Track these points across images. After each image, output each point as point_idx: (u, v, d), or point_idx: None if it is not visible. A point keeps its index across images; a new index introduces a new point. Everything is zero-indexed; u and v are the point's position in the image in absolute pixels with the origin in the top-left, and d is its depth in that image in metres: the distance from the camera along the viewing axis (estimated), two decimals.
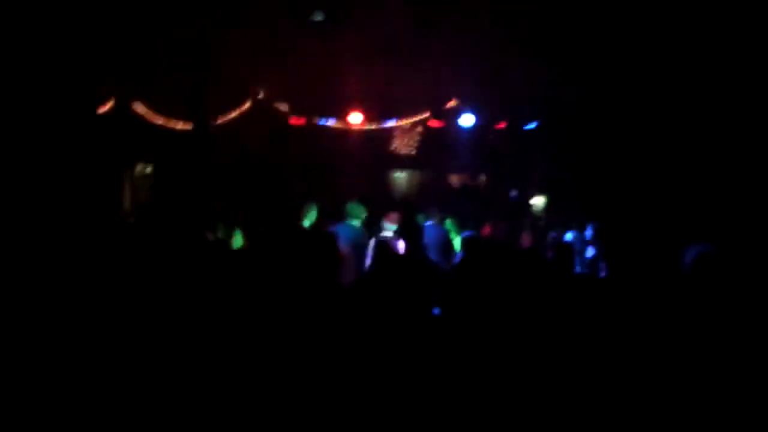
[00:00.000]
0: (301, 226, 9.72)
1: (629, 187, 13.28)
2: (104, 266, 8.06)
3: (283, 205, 11.88)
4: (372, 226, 11.32)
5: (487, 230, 10.71)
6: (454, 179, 16.12)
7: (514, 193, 15.56)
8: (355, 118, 13.53)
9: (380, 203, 13.19)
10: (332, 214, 11.08)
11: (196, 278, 7.56)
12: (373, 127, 13.90)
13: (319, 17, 12.10)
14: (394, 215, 11.37)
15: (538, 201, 15.15)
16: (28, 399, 5.72)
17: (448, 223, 10.98)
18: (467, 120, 13.57)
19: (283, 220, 9.80)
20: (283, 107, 13.56)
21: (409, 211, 11.61)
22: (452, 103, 13.55)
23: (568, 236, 10.48)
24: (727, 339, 6.34)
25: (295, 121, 13.65)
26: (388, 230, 10.89)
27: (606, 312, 6.81)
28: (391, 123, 13.74)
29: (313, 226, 10.60)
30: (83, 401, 5.80)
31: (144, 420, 5.54)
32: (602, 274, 9.06)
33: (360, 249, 9.58)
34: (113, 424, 5.51)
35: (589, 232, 10.26)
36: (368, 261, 8.89)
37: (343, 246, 8.44)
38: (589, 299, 7.13)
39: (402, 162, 14.83)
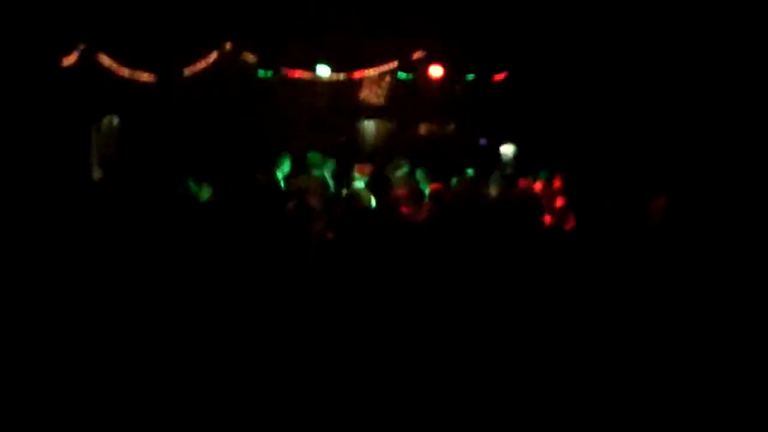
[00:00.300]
0: (265, 183, 9.64)
1: (598, 135, 13.35)
2: (73, 224, 8.05)
3: (252, 157, 11.82)
4: (341, 177, 11.32)
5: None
6: (423, 128, 16.08)
7: (483, 140, 15.54)
8: (323, 71, 13.42)
9: (349, 153, 13.24)
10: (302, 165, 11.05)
11: (163, 235, 7.57)
12: (342, 77, 13.80)
13: None
14: (365, 166, 11.36)
15: (507, 149, 15.13)
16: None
17: (419, 173, 10.98)
18: (436, 71, 13.51)
19: (247, 176, 9.72)
20: (251, 58, 13.41)
21: (378, 162, 11.59)
22: (419, 54, 13.46)
23: (537, 186, 10.48)
24: (697, 288, 6.47)
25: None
26: (359, 181, 10.89)
27: (574, 265, 6.91)
28: (359, 74, 13.63)
29: (284, 178, 10.56)
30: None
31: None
32: (569, 224, 9.13)
33: (327, 201, 9.61)
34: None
35: (557, 183, 10.27)
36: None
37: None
38: (557, 252, 7.22)
39: (370, 111, 14.74)
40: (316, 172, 10.76)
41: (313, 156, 10.94)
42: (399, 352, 5.94)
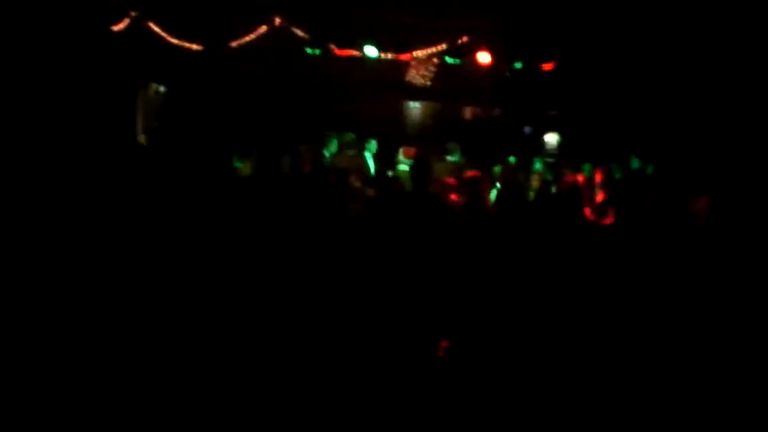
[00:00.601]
0: (308, 160, 9.67)
1: (644, 131, 13.20)
2: (118, 190, 8.14)
3: (297, 134, 11.88)
4: (386, 158, 11.31)
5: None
6: (468, 112, 16.03)
7: (528, 128, 15.46)
8: (371, 51, 13.39)
9: (395, 135, 13.23)
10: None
11: (205, 207, 7.62)
12: (389, 56, 13.76)
13: None
14: (411, 149, 11.32)
15: (551, 138, 15.04)
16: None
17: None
18: (484, 58, 13.41)
19: (291, 152, 9.76)
20: (300, 33, 13.41)
21: (422, 148, 11.54)
22: (465, 39, 13.37)
23: (579, 178, 10.39)
24: (739, 288, 6.38)
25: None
26: (404, 164, 10.87)
27: (612, 262, 6.84)
28: (407, 56, 13.58)
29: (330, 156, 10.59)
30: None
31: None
32: (608, 220, 9.03)
33: (369, 181, 9.62)
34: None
35: (599, 176, 10.15)
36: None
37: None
38: (595, 248, 7.15)
39: (416, 93, 14.71)
40: (359, 152, 10.79)
41: (348, 136, 10.94)
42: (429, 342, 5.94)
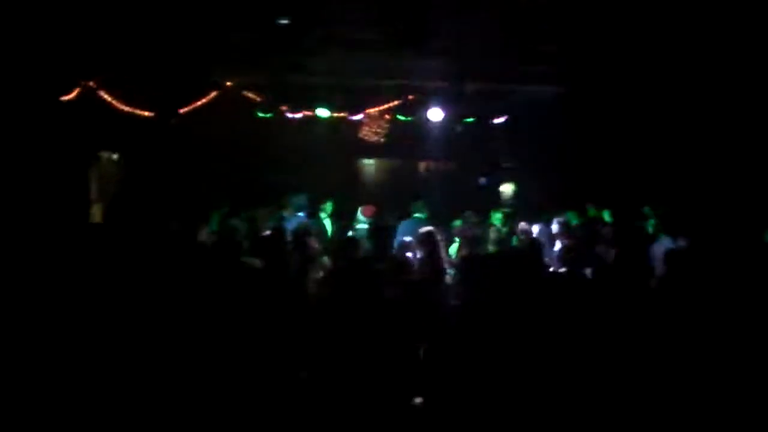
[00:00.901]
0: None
1: (598, 179, 13.37)
2: (73, 268, 7.98)
3: (251, 195, 11.85)
4: (344, 218, 11.26)
5: None
6: (423, 166, 16.13)
7: (483, 180, 15.56)
8: (323, 112, 13.47)
9: (352, 195, 13.23)
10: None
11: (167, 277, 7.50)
12: (342, 115, 13.86)
13: (283, 21, 12.09)
14: (370, 208, 11.29)
15: (507, 188, 15.14)
16: None
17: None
18: (435, 114, 13.54)
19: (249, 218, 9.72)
20: (252, 96, 13.45)
21: (380, 206, 11.53)
22: (412, 98, 13.53)
23: (535, 229, 10.43)
24: (703, 335, 6.41)
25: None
26: (363, 223, 10.82)
27: (579, 312, 6.84)
28: (359, 115, 13.69)
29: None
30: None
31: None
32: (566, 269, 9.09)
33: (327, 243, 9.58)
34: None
35: (555, 226, 10.21)
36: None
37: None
38: (558, 299, 7.16)
39: (371, 150, 14.78)
40: (315, 214, 10.74)
41: (301, 198, 10.86)
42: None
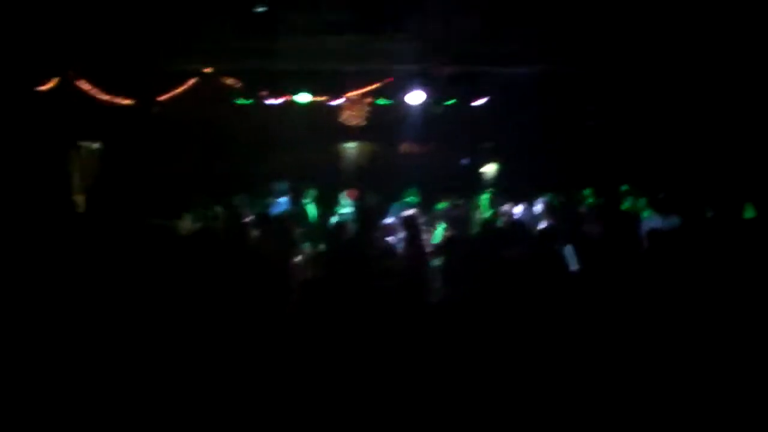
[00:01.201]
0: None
1: (580, 159, 13.42)
2: (59, 258, 7.98)
3: (233, 182, 11.84)
4: (326, 201, 11.25)
5: None
6: (405, 148, 16.11)
7: (465, 160, 15.58)
8: (303, 98, 13.46)
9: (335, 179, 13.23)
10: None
11: (147, 271, 7.50)
12: (323, 99, 13.84)
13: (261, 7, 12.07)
14: (352, 191, 11.29)
15: (489, 169, 15.17)
16: None
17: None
18: (415, 97, 13.56)
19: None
20: (231, 82, 13.40)
21: (362, 189, 11.53)
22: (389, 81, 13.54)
23: (518, 209, 10.45)
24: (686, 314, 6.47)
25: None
26: (346, 207, 10.83)
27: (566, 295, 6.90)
28: (339, 100, 13.68)
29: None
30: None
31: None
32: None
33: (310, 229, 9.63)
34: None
35: (538, 207, 10.24)
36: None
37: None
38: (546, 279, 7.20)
39: (352, 134, 14.77)
40: (297, 200, 10.74)
41: (280, 184, 10.87)
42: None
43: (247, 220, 9.53)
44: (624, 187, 11.37)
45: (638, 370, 5.97)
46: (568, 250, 8.09)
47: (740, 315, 6.43)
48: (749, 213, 10.13)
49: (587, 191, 11.88)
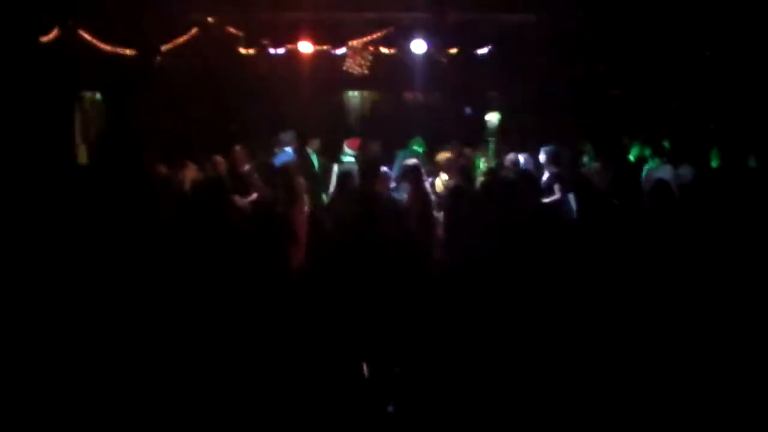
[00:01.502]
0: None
1: (586, 107, 13.39)
2: (61, 210, 8.00)
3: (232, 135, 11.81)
4: (330, 151, 11.25)
5: None
6: (408, 98, 16.07)
7: (468, 110, 15.52)
8: (306, 47, 13.39)
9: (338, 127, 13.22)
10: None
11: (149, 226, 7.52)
12: (325, 48, 13.77)
13: None
14: (355, 141, 11.27)
15: (492, 117, 15.10)
16: None
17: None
18: (418, 46, 13.49)
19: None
20: (234, 32, 13.32)
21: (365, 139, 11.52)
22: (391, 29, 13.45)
23: (520, 159, 10.42)
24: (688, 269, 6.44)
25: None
26: (349, 156, 10.83)
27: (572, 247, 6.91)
28: (342, 49, 13.60)
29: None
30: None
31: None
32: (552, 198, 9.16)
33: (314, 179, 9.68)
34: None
35: (543, 156, 10.19)
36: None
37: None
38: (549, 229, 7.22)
39: (355, 82, 14.72)
40: (301, 149, 10.72)
41: (285, 134, 10.85)
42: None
43: (246, 168, 9.61)
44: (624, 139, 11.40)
45: (644, 339, 5.99)
46: (571, 199, 8.10)
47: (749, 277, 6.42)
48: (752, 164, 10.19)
49: (588, 146, 11.86)
